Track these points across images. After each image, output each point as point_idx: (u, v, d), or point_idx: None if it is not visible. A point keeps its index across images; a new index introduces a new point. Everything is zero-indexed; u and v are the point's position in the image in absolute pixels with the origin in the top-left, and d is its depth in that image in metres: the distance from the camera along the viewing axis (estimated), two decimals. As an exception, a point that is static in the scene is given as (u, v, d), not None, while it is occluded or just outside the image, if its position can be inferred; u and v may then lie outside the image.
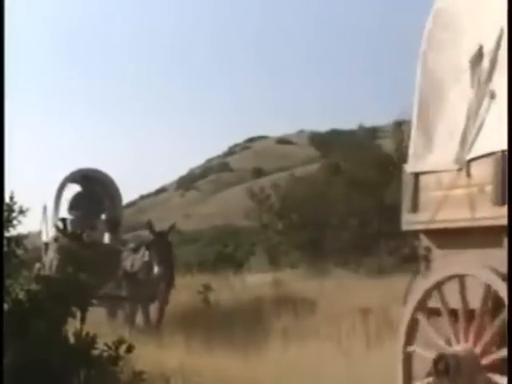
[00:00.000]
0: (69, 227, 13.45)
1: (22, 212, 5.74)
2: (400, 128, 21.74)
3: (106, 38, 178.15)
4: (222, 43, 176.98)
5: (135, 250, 13.42)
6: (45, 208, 14.87)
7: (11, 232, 5.76)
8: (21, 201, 5.79)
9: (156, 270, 12.39)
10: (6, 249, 5.65)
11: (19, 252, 5.85)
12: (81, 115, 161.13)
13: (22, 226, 5.84)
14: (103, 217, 14.61)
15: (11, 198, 5.71)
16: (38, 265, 12.37)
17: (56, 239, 13.55)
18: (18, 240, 5.84)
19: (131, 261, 13.30)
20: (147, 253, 12.86)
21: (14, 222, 5.72)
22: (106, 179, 14.84)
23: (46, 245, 14.01)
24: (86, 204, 14.15)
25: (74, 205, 14.35)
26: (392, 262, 18.17)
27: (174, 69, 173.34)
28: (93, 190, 14.57)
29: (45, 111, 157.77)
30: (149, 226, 12.97)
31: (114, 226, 14.49)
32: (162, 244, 12.68)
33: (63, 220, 14.04)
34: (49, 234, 14.20)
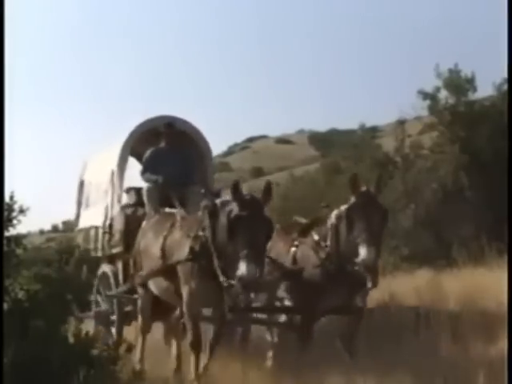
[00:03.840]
0: (146, 199, 9.16)
1: (22, 212, 5.74)
2: (400, 127, 21.69)
3: (106, 35, 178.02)
4: (221, 42, 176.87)
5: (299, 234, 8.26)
6: (81, 184, 11.39)
7: (11, 232, 5.77)
8: (21, 201, 5.80)
9: (363, 252, 7.13)
10: (6, 248, 5.65)
11: (19, 252, 5.85)
12: (81, 115, 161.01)
13: (21, 226, 5.85)
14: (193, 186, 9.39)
15: (11, 198, 5.72)
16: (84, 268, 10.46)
17: (129, 217, 9.43)
18: (18, 240, 5.85)
19: (288, 250, 8.16)
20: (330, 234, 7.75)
21: (14, 221, 5.73)
22: (196, 133, 10.31)
23: (110, 227, 9.78)
24: (173, 165, 9.33)
25: (154, 166, 9.33)
26: (392, 262, 18.14)
27: (173, 69, 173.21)
28: (182, 146, 9.64)
29: (45, 111, 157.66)
30: (353, 181, 7.64)
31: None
32: (370, 210, 7.40)
33: (136, 191, 9.81)
34: (109, 213, 9.95)
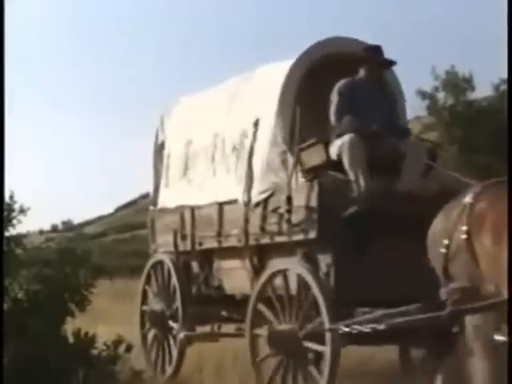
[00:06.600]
0: (348, 157, 5.97)
1: (22, 212, 5.76)
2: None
3: (105, 32, 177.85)
4: (221, 41, 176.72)
5: None
6: (161, 147, 8.28)
7: (11, 232, 5.79)
8: (21, 201, 5.82)
9: None
10: (5, 248, 5.66)
11: (19, 252, 5.87)
12: (81, 116, 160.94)
13: (21, 226, 5.87)
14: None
15: (11, 198, 5.74)
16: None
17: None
18: (18, 240, 5.87)
19: None
20: None
21: (14, 221, 5.74)
22: (391, 72, 7.07)
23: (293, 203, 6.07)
24: (378, 107, 6.40)
25: (351, 106, 6.30)
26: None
27: (173, 69, 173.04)
28: (381, 83, 6.72)
29: (45, 111, 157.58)
30: None
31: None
32: None
33: (324, 145, 6.19)
34: (257, 181, 6.63)
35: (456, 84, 19.86)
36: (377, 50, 6.50)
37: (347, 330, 5.40)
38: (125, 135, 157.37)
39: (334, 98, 6.29)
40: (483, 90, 20.65)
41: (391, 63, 6.60)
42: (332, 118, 6.28)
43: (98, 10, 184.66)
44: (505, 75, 17.64)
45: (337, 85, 6.34)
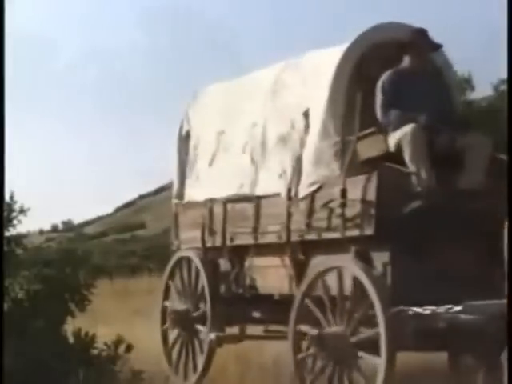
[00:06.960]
0: (411, 150, 5.47)
1: (22, 212, 5.75)
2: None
3: (105, 31, 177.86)
4: (224, 42, 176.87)
5: None
6: (186, 137, 7.80)
7: (11, 232, 5.78)
8: (21, 201, 5.82)
9: None
10: (6, 248, 5.66)
11: (19, 252, 5.87)
12: (81, 116, 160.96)
13: (21, 226, 5.87)
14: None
15: (11, 198, 5.74)
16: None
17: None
18: (18, 240, 5.86)
19: None
20: None
21: (14, 221, 5.74)
22: (441, 54, 6.43)
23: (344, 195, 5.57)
24: (426, 98, 5.85)
25: (398, 98, 5.85)
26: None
27: (173, 71, 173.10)
28: (428, 70, 6.12)
29: (46, 111, 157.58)
30: None
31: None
32: None
33: (383, 135, 5.79)
34: (305, 174, 6.11)
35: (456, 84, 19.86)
36: (424, 32, 6.02)
37: (419, 310, 4.99)
38: (125, 135, 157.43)
39: (379, 91, 5.90)
40: (483, 89, 20.62)
41: (438, 46, 6.12)
42: (378, 112, 5.87)
43: (98, 10, 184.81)
44: (504, 75, 17.64)
45: (381, 77, 5.94)
